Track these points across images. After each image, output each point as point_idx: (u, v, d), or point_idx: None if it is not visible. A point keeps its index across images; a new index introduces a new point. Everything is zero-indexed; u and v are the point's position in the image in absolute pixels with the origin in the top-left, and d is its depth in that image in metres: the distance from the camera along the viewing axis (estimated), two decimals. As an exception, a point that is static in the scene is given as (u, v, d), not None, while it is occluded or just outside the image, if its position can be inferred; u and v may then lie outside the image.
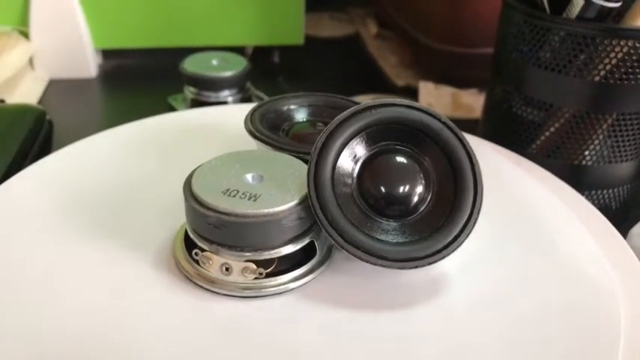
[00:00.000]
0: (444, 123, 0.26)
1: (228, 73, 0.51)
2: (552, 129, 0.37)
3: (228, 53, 0.55)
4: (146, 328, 0.24)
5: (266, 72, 0.61)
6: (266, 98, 0.54)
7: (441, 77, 0.56)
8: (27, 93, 0.55)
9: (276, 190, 0.25)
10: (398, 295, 0.26)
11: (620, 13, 0.34)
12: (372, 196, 0.26)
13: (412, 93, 0.57)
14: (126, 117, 0.54)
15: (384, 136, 0.26)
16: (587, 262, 0.28)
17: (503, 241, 0.29)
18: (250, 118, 0.31)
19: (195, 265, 0.25)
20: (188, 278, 0.26)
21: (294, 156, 0.28)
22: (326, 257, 0.27)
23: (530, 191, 0.33)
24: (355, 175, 0.26)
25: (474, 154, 0.25)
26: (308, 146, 0.29)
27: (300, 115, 0.33)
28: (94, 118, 0.54)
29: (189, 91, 0.53)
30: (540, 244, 0.29)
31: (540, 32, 0.36)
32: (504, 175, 0.34)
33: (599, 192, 0.39)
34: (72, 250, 0.27)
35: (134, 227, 0.29)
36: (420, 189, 0.26)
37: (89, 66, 0.59)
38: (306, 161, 0.28)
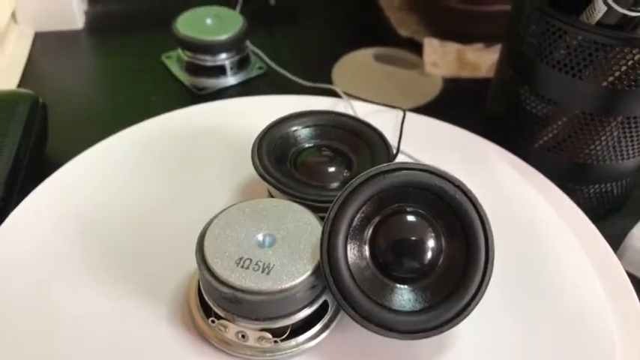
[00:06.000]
0: (457, 187, 0.25)
1: (224, 37, 0.49)
2: (559, 127, 0.37)
3: (222, 9, 0.51)
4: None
5: (262, 18, 0.58)
6: (265, 58, 0.52)
7: (446, 32, 0.54)
8: (15, 51, 0.52)
9: (288, 257, 0.25)
10: (407, 349, 0.27)
11: (638, 23, 0.33)
12: (384, 256, 0.26)
13: (416, 46, 0.55)
14: (118, 78, 0.52)
15: (397, 199, 0.26)
16: (590, 308, 0.29)
17: (507, 278, 0.30)
18: (257, 153, 0.30)
19: (212, 327, 0.26)
20: (204, 338, 0.26)
21: (303, 203, 0.28)
22: (337, 312, 0.27)
23: (535, 213, 0.33)
24: (367, 239, 0.26)
25: (487, 219, 0.25)
26: (317, 190, 0.29)
27: (307, 137, 0.32)
28: (86, 81, 0.52)
29: (185, 54, 0.50)
30: (544, 283, 0.30)
31: (557, 33, 0.34)
32: (508, 192, 0.35)
33: (602, 185, 0.39)
34: (81, 301, 0.28)
35: (145, 270, 0.29)
36: (430, 248, 0.26)
37: (75, 17, 0.55)
38: (315, 208, 0.27)
